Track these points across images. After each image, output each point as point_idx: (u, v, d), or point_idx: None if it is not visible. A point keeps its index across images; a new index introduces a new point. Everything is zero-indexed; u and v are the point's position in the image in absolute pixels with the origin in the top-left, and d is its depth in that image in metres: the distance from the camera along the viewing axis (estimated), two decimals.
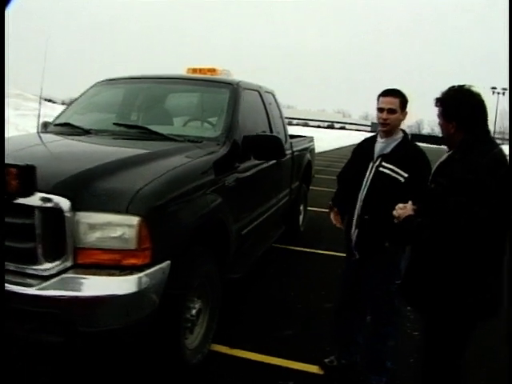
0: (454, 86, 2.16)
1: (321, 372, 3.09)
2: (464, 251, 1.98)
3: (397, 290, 2.46)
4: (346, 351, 3.10)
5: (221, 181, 3.21)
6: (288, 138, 5.55)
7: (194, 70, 5.04)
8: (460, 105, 2.09)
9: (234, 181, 3.40)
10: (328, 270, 5.07)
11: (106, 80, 4.57)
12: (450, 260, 2.02)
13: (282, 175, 5.07)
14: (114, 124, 3.81)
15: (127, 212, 2.36)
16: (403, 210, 2.18)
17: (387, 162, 2.76)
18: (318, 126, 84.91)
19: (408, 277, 2.28)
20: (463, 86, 2.15)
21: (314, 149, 7.49)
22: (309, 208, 7.35)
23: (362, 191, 2.83)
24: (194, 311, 2.94)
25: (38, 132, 4.09)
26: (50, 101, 26.67)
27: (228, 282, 3.65)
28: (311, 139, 7.48)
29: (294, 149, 5.79)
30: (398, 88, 2.87)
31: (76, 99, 4.57)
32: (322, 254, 5.85)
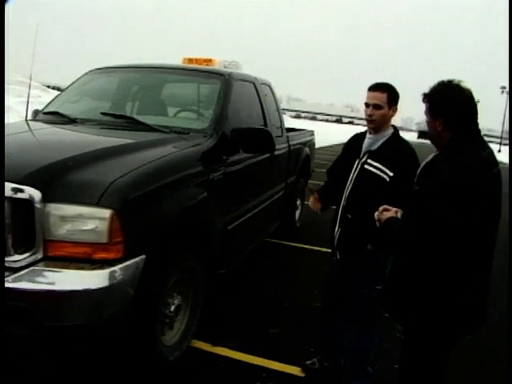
0: (442, 81, 2.02)
1: (302, 374, 3.00)
2: (451, 254, 1.87)
3: (378, 295, 2.36)
4: (330, 354, 3.00)
5: (206, 174, 3.11)
6: (284, 131, 5.43)
7: (190, 60, 4.94)
8: (448, 101, 1.95)
9: (221, 174, 3.30)
10: (322, 267, 4.90)
11: (97, 69, 4.49)
12: (436, 264, 1.90)
13: (276, 169, 4.96)
14: (102, 113, 3.72)
15: (99, 204, 2.27)
16: (385, 212, 2.07)
17: (373, 160, 2.63)
18: (327, 120, 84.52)
19: (389, 282, 2.18)
20: (452, 81, 2.01)
21: (314, 143, 7.37)
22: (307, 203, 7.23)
23: (346, 189, 2.72)
24: (172, 307, 2.87)
25: (26, 120, 4.03)
26: (58, 89, 26.64)
27: (217, 277, 3.59)
28: (311, 133, 7.36)
29: (292, 142, 5.68)
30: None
31: (67, 87, 4.49)
32: (318, 250, 5.73)
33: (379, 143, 2.66)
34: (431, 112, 2.01)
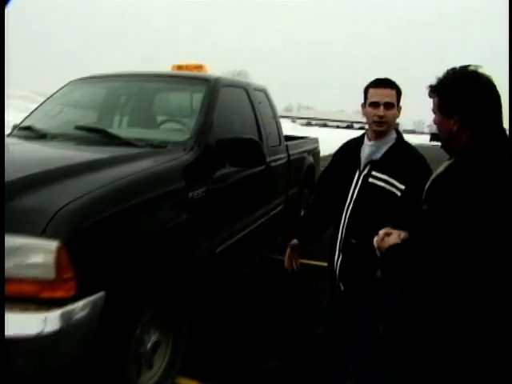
0: (454, 68, 1.60)
1: None
2: (470, 299, 1.43)
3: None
4: None
5: (183, 193, 2.74)
6: (283, 139, 5.05)
7: (180, 67, 4.64)
8: (465, 93, 1.53)
9: (204, 192, 2.93)
10: None
11: (78, 79, 4.18)
12: (450, 309, 1.47)
13: (273, 181, 4.56)
14: (75, 127, 3.39)
15: (44, 234, 1.91)
16: (387, 238, 1.67)
17: (378, 171, 2.20)
18: (337, 127, 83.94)
19: (393, 321, 1.78)
20: (467, 67, 1.58)
21: (318, 151, 6.98)
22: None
23: (346, 208, 2.27)
24: (149, 345, 2.52)
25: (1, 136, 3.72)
26: None
27: (205, 306, 3.22)
28: (315, 141, 6.97)
29: (292, 151, 5.30)
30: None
31: (47, 99, 4.20)
32: (325, 266, 5.31)
33: (383, 151, 2.23)
34: (443, 109, 1.59)
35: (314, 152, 6.60)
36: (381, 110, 2.18)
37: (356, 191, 2.25)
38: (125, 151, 2.82)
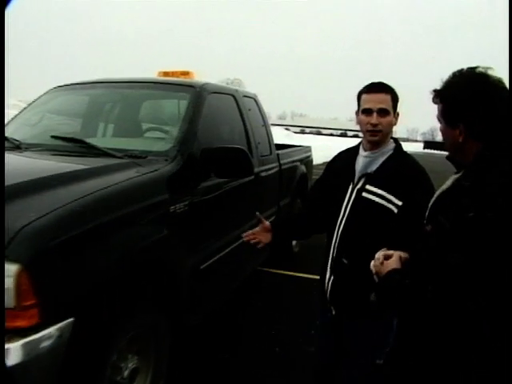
0: (461, 70, 1.41)
1: None
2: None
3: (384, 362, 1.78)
4: None
5: (164, 207, 2.55)
6: (274, 148, 4.88)
7: (166, 74, 4.46)
8: (472, 98, 1.33)
9: (187, 205, 2.74)
10: None
11: (58, 86, 3.99)
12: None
13: (263, 192, 4.38)
14: (52, 137, 3.19)
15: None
16: (386, 261, 1.48)
17: (373, 185, 1.99)
18: (331, 134, 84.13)
19: (392, 354, 1.59)
20: (475, 68, 1.38)
21: (311, 160, 6.81)
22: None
23: (338, 225, 2.07)
24: (126, 372, 2.32)
25: None
26: None
27: (189, 327, 3.01)
28: (308, 149, 6.82)
29: (284, 160, 5.14)
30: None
31: (24, 109, 4.01)
32: (317, 280, 5.13)
33: (379, 162, 2.03)
34: (447, 116, 1.41)
35: (307, 161, 6.44)
36: (374, 118, 1.99)
37: (349, 207, 2.05)
38: (101, 162, 2.62)
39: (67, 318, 1.87)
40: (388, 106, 1.99)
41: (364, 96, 2.04)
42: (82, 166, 2.48)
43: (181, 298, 2.74)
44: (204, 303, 3.15)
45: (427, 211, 1.45)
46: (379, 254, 1.50)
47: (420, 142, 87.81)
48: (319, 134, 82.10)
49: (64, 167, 2.50)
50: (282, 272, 5.38)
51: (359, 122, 2.08)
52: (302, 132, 79.00)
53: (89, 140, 3.06)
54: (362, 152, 2.11)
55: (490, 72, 1.34)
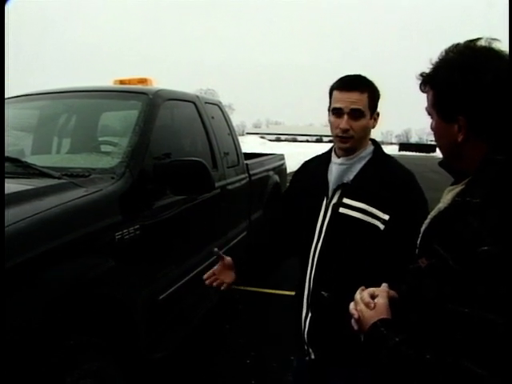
0: (456, 45, 1.02)
1: None
2: None
3: None
4: None
5: (107, 234, 2.17)
6: (242, 158, 4.54)
7: (122, 82, 4.10)
8: (474, 81, 0.95)
9: (137, 229, 2.36)
10: None
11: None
12: None
13: (231, 206, 4.02)
14: None
15: None
16: (369, 309, 1.10)
17: (352, 198, 1.63)
18: (307, 141, 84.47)
19: None
20: (475, 41, 1.00)
21: (284, 168, 6.50)
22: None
23: (313, 249, 1.70)
24: None
25: None
26: None
27: (150, 363, 2.63)
28: (281, 157, 6.52)
29: (254, 171, 4.80)
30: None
31: None
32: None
33: (356, 170, 1.67)
34: (441, 107, 1.03)
35: (280, 169, 6.12)
36: (344, 121, 1.63)
37: (324, 227, 1.68)
38: (34, 184, 2.22)
39: None
40: (363, 106, 1.63)
41: (335, 93, 1.67)
42: (10, 190, 2.04)
43: (139, 333, 2.36)
44: (167, 336, 2.76)
45: (419, 239, 1.09)
46: (362, 295, 1.15)
47: (395, 144, 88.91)
48: (295, 140, 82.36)
49: None
50: (256, 290, 5.01)
51: (330, 124, 1.72)
52: (278, 140, 79.15)
53: (31, 158, 2.66)
54: (334, 159, 1.74)
55: (494, 46, 0.98)
